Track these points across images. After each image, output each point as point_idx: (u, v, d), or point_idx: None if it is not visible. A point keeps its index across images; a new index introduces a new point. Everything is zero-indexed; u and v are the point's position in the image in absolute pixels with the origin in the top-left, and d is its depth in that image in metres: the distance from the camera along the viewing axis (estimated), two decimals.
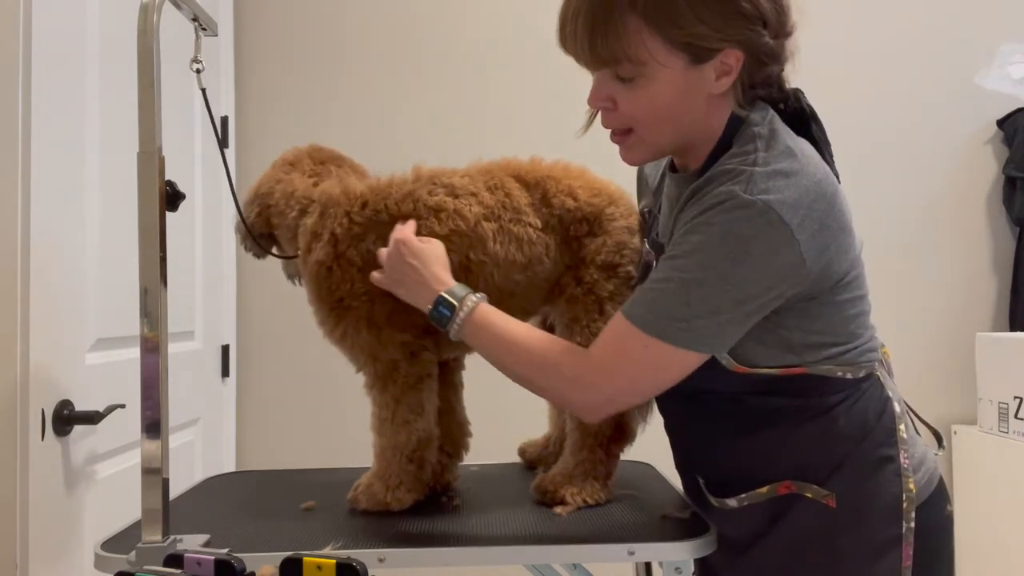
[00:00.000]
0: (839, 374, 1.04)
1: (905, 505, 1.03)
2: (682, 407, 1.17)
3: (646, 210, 1.23)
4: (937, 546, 1.08)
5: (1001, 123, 2.38)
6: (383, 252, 1.13)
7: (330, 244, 1.15)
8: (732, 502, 1.09)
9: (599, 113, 1.06)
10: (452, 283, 1.09)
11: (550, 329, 1.34)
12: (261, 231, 1.27)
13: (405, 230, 1.13)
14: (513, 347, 1.06)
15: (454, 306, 1.07)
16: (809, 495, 1.04)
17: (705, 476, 1.16)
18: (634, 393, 1.06)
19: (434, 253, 1.11)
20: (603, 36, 0.94)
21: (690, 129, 1.02)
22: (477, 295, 1.09)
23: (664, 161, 1.18)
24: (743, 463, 1.10)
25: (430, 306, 1.08)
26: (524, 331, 1.08)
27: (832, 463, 1.04)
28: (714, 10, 0.93)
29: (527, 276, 1.18)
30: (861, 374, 1.05)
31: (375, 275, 1.14)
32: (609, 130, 1.07)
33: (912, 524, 1.03)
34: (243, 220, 1.25)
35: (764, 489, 1.06)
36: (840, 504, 1.03)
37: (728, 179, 0.96)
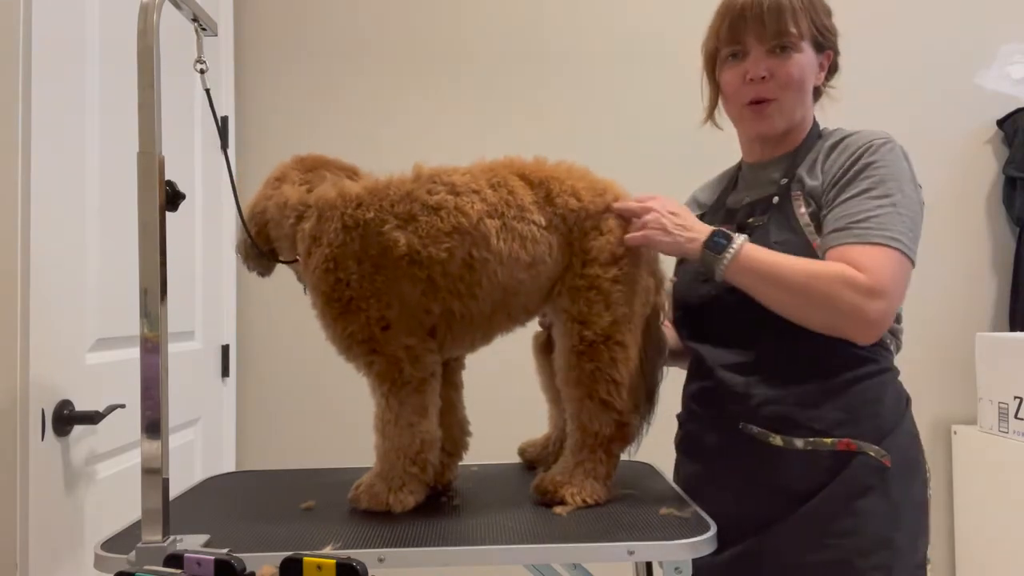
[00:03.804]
0: (888, 343, 1.27)
1: (928, 476, 1.26)
2: (748, 356, 1.25)
3: (700, 214, 1.40)
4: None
5: (1001, 123, 2.38)
6: (649, 206, 1.20)
7: (330, 247, 1.14)
8: (799, 442, 1.20)
9: (741, 93, 1.29)
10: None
11: (549, 329, 1.35)
12: (263, 247, 1.26)
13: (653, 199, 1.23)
14: (795, 265, 1.15)
15: (730, 236, 1.18)
16: (872, 453, 1.19)
17: (762, 424, 1.23)
18: (896, 307, 1.18)
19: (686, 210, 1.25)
20: (787, 15, 1.25)
21: (803, 111, 1.30)
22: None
23: (720, 187, 1.44)
24: (806, 409, 1.21)
25: (704, 238, 1.18)
26: (797, 259, 1.17)
27: (884, 430, 1.21)
28: (830, 17, 1.32)
29: (531, 274, 1.18)
30: (892, 347, 1.29)
31: (632, 236, 1.19)
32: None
33: (930, 492, 1.25)
34: (248, 233, 1.23)
35: (828, 440, 1.19)
36: (894, 464, 1.19)
37: (853, 135, 1.25)
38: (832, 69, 1.34)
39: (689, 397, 1.37)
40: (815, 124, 1.33)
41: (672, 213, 1.21)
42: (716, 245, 1.17)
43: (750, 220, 1.29)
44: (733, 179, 1.42)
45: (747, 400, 1.24)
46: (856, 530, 1.17)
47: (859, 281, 1.12)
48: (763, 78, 1.25)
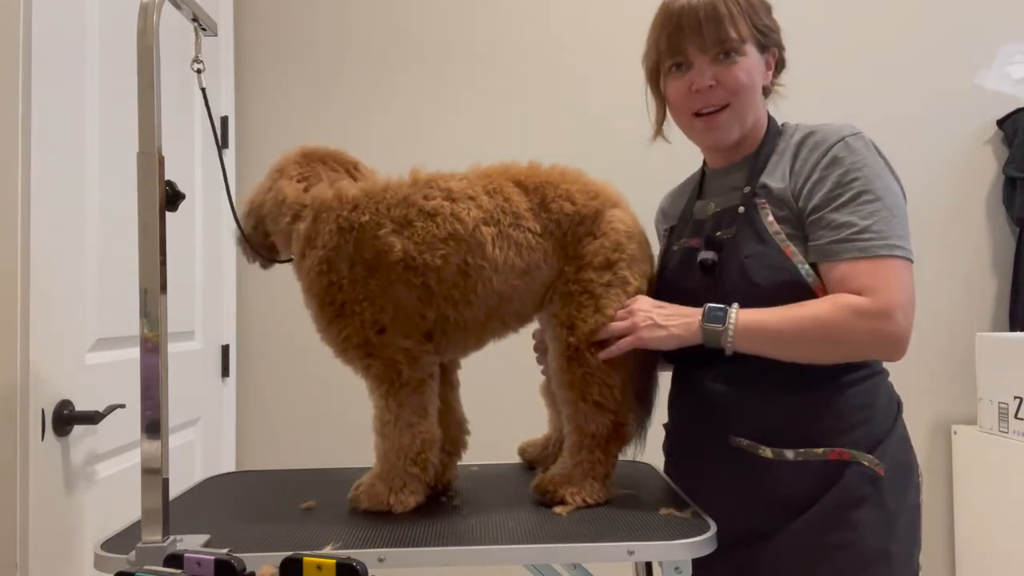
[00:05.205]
0: None
1: (920, 480, 1.23)
2: (734, 366, 1.20)
3: (669, 227, 1.39)
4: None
5: (1001, 123, 2.38)
6: (633, 309, 1.17)
7: (324, 249, 1.14)
8: (790, 454, 1.18)
9: (688, 103, 1.25)
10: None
11: (541, 333, 1.34)
12: (261, 241, 1.26)
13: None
14: (796, 314, 1.13)
15: (723, 306, 1.15)
16: (865, 463, 1.17)
17: (751, 436, 1.20)
18: (912, 313, 1.14)
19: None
20: (726, 21, 1.21)
21: (755, 113, 1.27)
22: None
23: (685, 196, 1.40)
24: (795, 419, 1.19)
25: (700, 316, 1.15)
26: (791, 307, 1.14)
27: (876, 437, 1.19)
28: (770, 15, 1.27)
29: (525, 281, 1.18)
30: None
31: (623, 342, 1.16)
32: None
33: (922, 497, 1.23)
34: (241, 231, 1.23)
35: (819, 450, 1.17)
36: (887, 471, 1.17)
37: (820, 130, 1.22)
38: (779, 66, 1.31)
39: (676, 408, 1.35)
40: (772, 121, 1.30)
41: (657, 307, 1.18)
42: (715, 316, 1.14)
43: (718, 233, 1.24)
44: (698, 186, 1.38)
45: (735, 412, 1.22)
46: (852, 543, 1.14)
47: (866, 306, 1.10)
48: (710, 87, 1.22)
